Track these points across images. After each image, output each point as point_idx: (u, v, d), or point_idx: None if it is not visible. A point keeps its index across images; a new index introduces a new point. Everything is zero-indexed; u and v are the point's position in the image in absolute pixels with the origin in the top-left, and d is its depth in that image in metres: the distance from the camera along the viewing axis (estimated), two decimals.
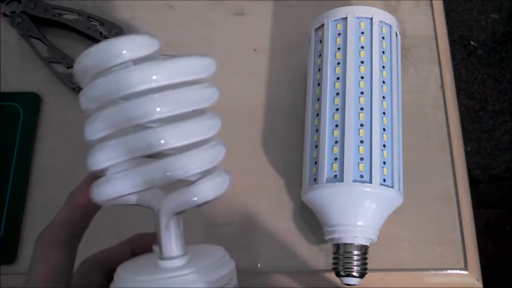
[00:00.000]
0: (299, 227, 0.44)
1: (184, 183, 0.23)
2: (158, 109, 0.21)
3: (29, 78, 0.51)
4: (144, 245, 0.27)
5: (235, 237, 0.44)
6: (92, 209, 0.25)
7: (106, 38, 0.50)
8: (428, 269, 0.43)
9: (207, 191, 0.23)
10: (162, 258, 0.24)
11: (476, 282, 0.42)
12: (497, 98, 1.27)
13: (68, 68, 0.50)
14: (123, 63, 0.22)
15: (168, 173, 0.22)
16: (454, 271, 0.43)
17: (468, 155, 0.78)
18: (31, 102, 0.49)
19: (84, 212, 0.25)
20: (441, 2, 0.53)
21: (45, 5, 0.52)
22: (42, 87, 0.50)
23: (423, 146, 0.47)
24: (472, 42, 1.33)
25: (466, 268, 0.43)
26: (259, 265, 0.43)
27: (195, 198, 0.23)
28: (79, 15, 0.51)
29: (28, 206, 0.46)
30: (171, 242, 0.24)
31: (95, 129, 0.22)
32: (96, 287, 0.26)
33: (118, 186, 0.22)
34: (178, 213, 0.24)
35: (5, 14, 0.52)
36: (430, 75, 0.50)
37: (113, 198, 0.23)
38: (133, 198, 0.24)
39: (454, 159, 0.46)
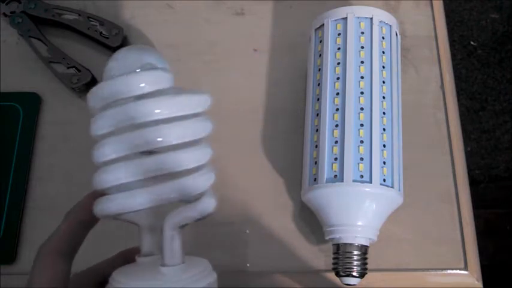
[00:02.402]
0: (299, 227, 0.44)
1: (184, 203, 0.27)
2: (159, 139, 0.25)
3: (29, 78, 0.51)
4: (129, 259, 0.29)
5: (235, 237, 0.44)
6: (89, 225, 0.28)
7: (106, 38, 0.50)
8: (428, 269, 0.43)
9: (207, 206, 0.27)
10: (164, 265, 0.27)
11: (476, 282, 0.42)
12: (497, 98, 1.27)
13: (68, 68, 0.50)
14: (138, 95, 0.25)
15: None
16: (454, 271, 0.43)
17: (468, 155, 0.78)
18: (31, 102, 0.49)
19: (82, 227, 0.28)
20: (441, 2, 0.53)
21: (45, 5, 0.52)
22: (42, 87, 0.50)
23: (423, 146, 0.47)
24: (472, 42, 1.33)
25: (466, 268, 0.43)
26: (248, 265, 0.43)
27: (198, 213, 0.26)
28: (79, 15, 0.51)
29: (28, 206, 0.46)
30: (174, 251, 0.27)
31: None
32: None
33: (119, 204, 0.25)
34: (182, 227, 0.27)
35: (5, 14, 0.52)
36: (430, 75, 0.50)
37: (113, 215, 0.26)
38: (129, 216, 0.27)
39: (454, 159, 0.46)
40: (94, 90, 0.26)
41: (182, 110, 0.26)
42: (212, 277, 0.28)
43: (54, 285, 0.26)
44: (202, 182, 0.27)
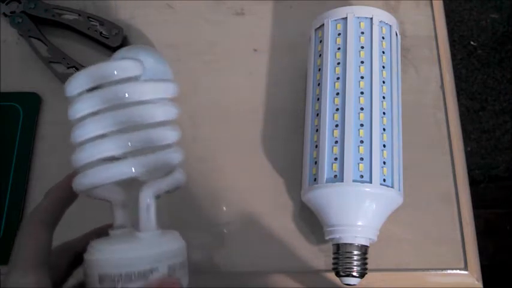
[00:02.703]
0: (299, 227, 0.44)
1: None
2: (127, 118, 0.29)
3: (29, 78, 0.51)
4: (102, 235, 0.32)
5: (235, 237, 0.44)
6: (68, 202, 0.31)
7: (106, 38, 0.50)
8: (428, 269, 0.43)
9: (179, 180, 0.31)
10: (140, 231, 0.30)
11: (476, 282, 0.42)
12: (497, 98, 1.27)
13: (68, 68, 0.50)
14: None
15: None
16: (454, 271, 0.43)
17: (468, 155, 0.78)
18: (31, 102, 0.49)
19: (62, 203, 0.31)
20: (441, 2, 0.53)
21: (45, 5, 0.52)
22: (42, 87, 0.50)
23: (423, 146, 0.47)
24: (472, 42, 1.33)
25: (466, 268, 0.43)
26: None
27: (170, 184, 0.31)
28: (79, 15, 0.51)
29: (28, 206, 0.46)
30: (150, 219, 0.30)
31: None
32: (62, 269, 0.31)
33: (93, 179, 0.29)
34: (156, 197, 0.30)
35: (5, 14, 0.52)
36: (430, 75, 0.50)
37: (88, 189, 0.29)
38: (102, 192, 0.31)
39: (454, 159, 0.46)
40: (69, 79, 0.31)
41: (150, 95, 0.30)
42: (184, 243, 0.31)
43: (38, 252, 0.28)
44: (174, 156, 0.31)
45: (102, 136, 0.29)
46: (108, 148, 0.29)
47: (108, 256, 0.29)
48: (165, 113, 0.31)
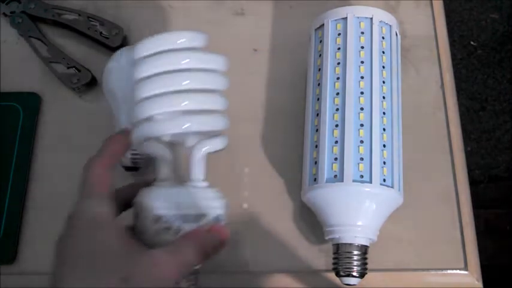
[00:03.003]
0: (299, 227, 0.44)
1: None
2: (187, 81, 0.33)
3: (29, 78, 0.51)
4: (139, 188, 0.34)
5: (236, 237, 0.44)
6: (119, 157, 0.34)
7: (106, 38, 0.50)
8: (428, 269, 0.43)
9: (223, 142, 0.35)
10: (192, 181, 0.34)
11: (476, 282, 0.42)
12: (497, 98, 1.27)
13: (68, 68, 0.50)
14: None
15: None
16: (454, 271, 0.43)
17: (468, 155, 0.78)
18: (31, 102, 0.49)
19: (116, 157, 0.34)
20: (441, 2, 0.53)
21: (45, 5, 0.52)
22: (42, 87, 0.50)
23: (423, 146, 0.47)
24: (472, 42, 1.33)
25: (466, 268, 0.43)
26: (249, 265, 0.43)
27: (217, 145, 0.35)
28: (79, 15, 0.51)
29: (28, 206, 0.46)
30: (201, 171, 0.34)
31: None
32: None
33: (152, 130, 0.33)
34: (205, 154, 0.35)
35: (5, 14, 0.52)
36: (430, 75, 0.50)
37: (146, 139, 0.33)
38: (152, 147, 0.34)
39: (454, 159, 0.46)
40: (139, 43, 0.35)
41: (208, 64, 0.34)
42: (225, 199, 0.35)
43: (109, 188, 0.31)
44: (223, 121, 0.35)
45: (163, 94, 0.33)
46: (169, 104, 0.33)
47: (165, 199, 0.32)
48: (219, 82, 0.35)
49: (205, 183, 0.34)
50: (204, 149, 0.34)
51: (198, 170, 0.34)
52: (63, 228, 0.30)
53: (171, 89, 0.33)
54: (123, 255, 0.29)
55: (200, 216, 0.32)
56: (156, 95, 0.33)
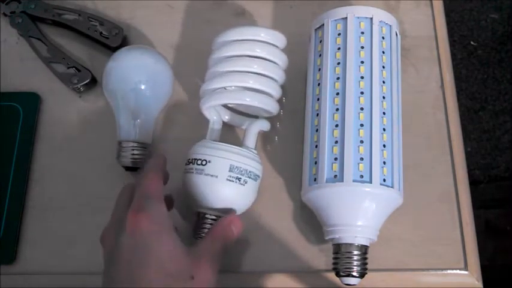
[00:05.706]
0: (299, 227, 0.44)
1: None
2: (255, 66, 0.42)
3: (29, 78, 0.51)
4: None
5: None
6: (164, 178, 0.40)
7: (106, 38, 0.50)
8: (428, 269, 0.43)
9: (269, 127, 0.46)
10: (247, 147, 0.43)
11: (476, 282, 0.42)
12: (497, 98, 1.27)
13: (68, 68, 0.50)
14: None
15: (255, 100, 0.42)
16: (454, 271, 0.43)
17: (468, 155, 0.78)
18: (31, 102, 0.49)
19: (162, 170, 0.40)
20: (441, 2, 0.53)
21: (45, 5, 0.52)
22: (42, 87, 0.50)
23: (423, 146, 0.47)
24: (472, 42, 1.33)
25: (466, 268, 0.43)
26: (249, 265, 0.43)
27: (266, 126, 0.45)
28: (79, 15, 0.51)
29: (28, 206, 0.46)
30: (254, 142, 0.44)
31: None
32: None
33: (220, 98, 0.43)
34: (259, 131, 0.45)
35: (5, 14, 0.52)
36: (430, 75, 0.50)
37: (213, 105, 0.43)
38: (211, 112, 0.44)
39: (454, 159, 0.46)
40: (222, 32, 0.43)
41: (275, 57, 0.43)
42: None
43: (162, 192, 0.37)
44: (276, 106, 0.44)
45: (232, 72, 0.42)
46: (240, 80, 0.42)
47: (235, 151, 0.40)
48: (280, 75, 0.43)
49: (255, 151, 0.43)
50: (258, 125, 0.44)
51: (252, 141, 0.43)
52: (131, 234, 0.34)
53: (244, 69, 0.42)
54: (188, 255, 0.35)
55: (258, 177, 0.42)
56: (231, 72, 0.42)
